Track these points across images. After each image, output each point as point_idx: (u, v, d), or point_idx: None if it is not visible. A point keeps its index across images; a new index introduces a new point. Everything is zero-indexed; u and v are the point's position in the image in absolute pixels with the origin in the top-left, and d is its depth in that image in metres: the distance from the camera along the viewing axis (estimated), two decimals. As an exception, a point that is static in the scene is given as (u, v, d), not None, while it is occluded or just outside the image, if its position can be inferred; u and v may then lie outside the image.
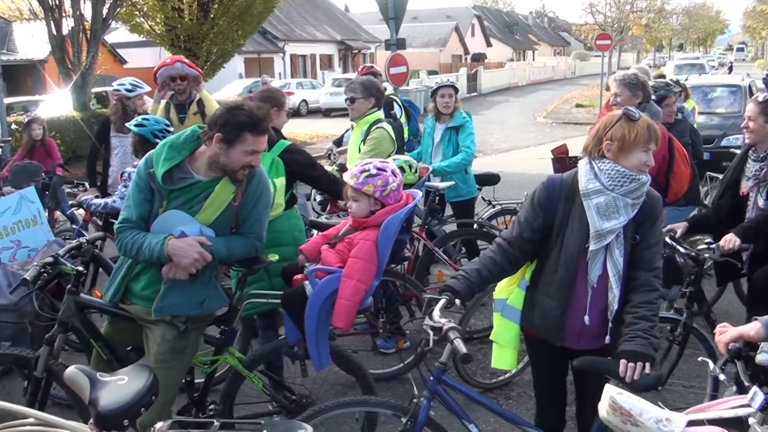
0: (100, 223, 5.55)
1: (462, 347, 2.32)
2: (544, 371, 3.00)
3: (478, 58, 52.18)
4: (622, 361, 2.45)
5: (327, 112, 27.39)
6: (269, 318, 3.97)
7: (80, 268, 3.23)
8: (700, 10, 60.77)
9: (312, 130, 21.33)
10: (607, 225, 2.61)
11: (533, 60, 60.78)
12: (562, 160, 6.00)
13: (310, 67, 38.27)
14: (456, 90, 5.98)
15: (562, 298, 2.72)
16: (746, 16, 59.85)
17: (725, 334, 2.50)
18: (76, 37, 13.71)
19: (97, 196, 5.13)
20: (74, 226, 5.79)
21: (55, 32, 13.79)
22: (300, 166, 3.94)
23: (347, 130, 7.34)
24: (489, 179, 6.43)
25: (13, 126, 13.18)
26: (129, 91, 5.87)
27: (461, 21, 52.96)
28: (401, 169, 4.32)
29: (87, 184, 6.04)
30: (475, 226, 5.95)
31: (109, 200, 4.73)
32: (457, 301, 2.67)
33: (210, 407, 3.36)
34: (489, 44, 57.23)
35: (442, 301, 2.61)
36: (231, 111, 2.94)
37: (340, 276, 3.10)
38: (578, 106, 28.83)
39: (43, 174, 6.26)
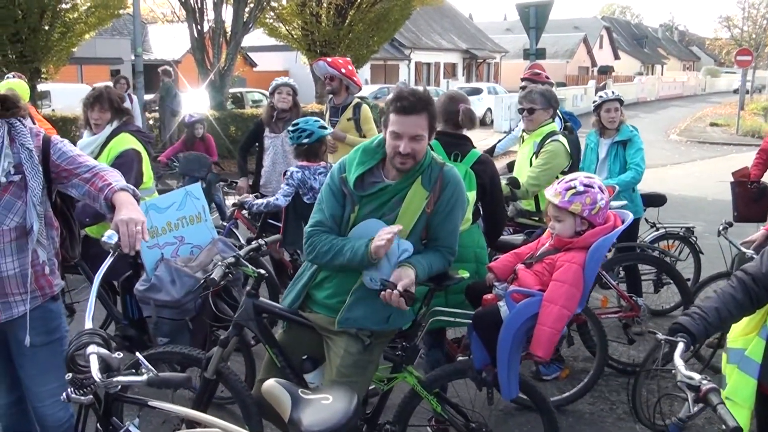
0: (249, 218, 5.53)
1: (730, 419, 1.95)
2: None
3: (606, 70, 50.44)
4: None
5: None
6: (437, 335, 3.72)
7: (262, 271, 3.10)
8: None
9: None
10: None
11: (662, 74, 58.12)
12: (743, 184, 5.42)
13: (434, 76, 38.17)
14: (621, 102, 5.56)
15: None
16: None
17: None
18: (216, 39, 14.13)
19: (256, 196, 5.09)
20: (225, 224, 5.80)
21: (196, 34, 14.28)
22: (492, 184, 3.65)
23: (499, 141, 7.03)
24: (656, 200, 5.92)
25: (151, 122, 13.78)
26: (271, 85, 5.87)
27: (590, 32, 51.40)
28: None
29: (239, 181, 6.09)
30: (637, 249, 5.49)
31: (271, 199, 4.66)
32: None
33: (385, 427, 3.14)
34: (617, 57, 55.25)
35: (681, 346, 2.25)
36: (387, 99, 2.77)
37: (541, 300, 2.80)
38: (713, 125, 27.15)
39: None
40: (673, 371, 2.21)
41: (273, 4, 14.85)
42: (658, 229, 5.98)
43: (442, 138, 3.61)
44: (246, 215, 5.71)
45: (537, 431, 3.81)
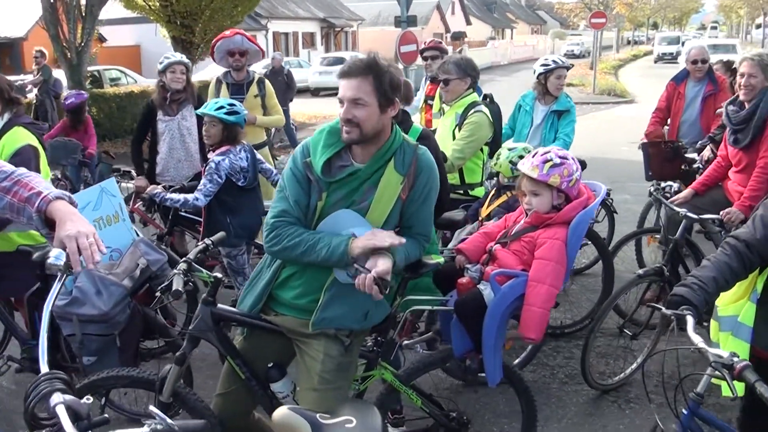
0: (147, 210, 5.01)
1: None
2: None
3: (459, 36, 51.45)
4: None
5: (316, 92, 26.74)
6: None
7: (219, 275, 2.76)
8: (678, -12, 61.07)
9: (307, 111, 20.68)
10: None
11: (512, 38, 60.40)
12: (657, 144, 5.60)
13: (293, 46, 37.39)
14: (567, 69, 5.53)
15: None
16: (723, -5, 60.36)
17: None
18: (72, 13, 12.87)
19: (165, 188, 4.60)
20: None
21: (48, 7, 12.95)
22: (436, 159, 3.48)
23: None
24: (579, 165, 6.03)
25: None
26: (160, 63, 5.31)
27: (442, 0, 52.28)
28: (522, 157, 3.88)
29: (134, 172, 5.51)
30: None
31: (189, 197, 4.19)
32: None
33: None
34: (469, 22, 56.59)
35: (690, 320, 2.20)
36: None
37: (526, 280, 2.68)
38: (569, 85, 28.49)
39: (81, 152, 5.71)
40: (693, 349, 2.16)
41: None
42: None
43: None
44: (141, 207, 5.18)
45: (511, 412, 3.78)
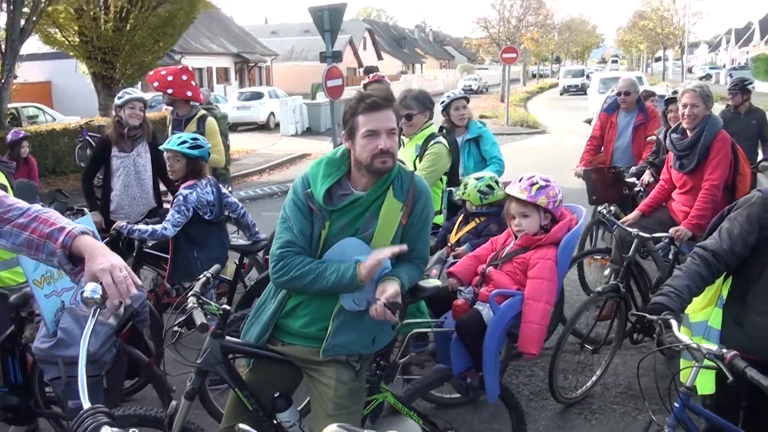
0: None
1: (763, 378, 2.12)
2: (735, 390, 2.86)
3: (372, 70, 51.93)
4: None
5: (234, 127, 26.50)
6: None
7: (227, 307, 2.77)
8: (579, 25, 64.45)
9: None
10: None
11: (422, 72, 61.99)
12: (601, 170, 5.96)
13: (207, 81, 37.04)
14: (467, 100, 5.82)
15: None
16: (622, 32, 64.20)
17: None
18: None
19: (134, 222, 4.54)
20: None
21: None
22: None
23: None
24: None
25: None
26: (119, 98, 5.28)
27: (354, 34, 53.10)
28: (490, 186, 4.10)
29: (87, 210, 5.38)
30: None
31: (158, 227, 4.17)
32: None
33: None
34: (380, 57, 57.75)
35: (674, 323, 2.44)
36: (348, 105, 2.64)
37: (522, 299, 2.85)
38: (482, 117, 29.48)
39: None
40: (680, 346, 2.39)
41: (49, 9, 13.30)
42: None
43: None
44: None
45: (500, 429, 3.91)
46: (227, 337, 2.76)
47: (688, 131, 4.50)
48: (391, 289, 2.53)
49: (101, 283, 1.98)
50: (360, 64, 53.60)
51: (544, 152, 17.16)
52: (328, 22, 14.40)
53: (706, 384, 2.82)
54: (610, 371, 4.71)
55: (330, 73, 14.48)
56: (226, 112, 6.99)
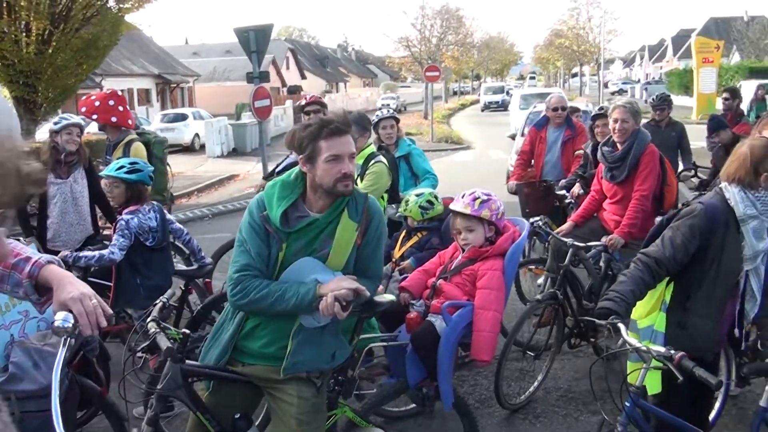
0: None
1: (710, 377, 2.31)
2: (684, 389, 3.05)
3: (295, 90, 52.52)
4: None
5: (158, 149, 25.99)
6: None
7: (187, 331, 2.79)
8: (498, 43, 66.32)
9: (155, 169, 20.06)
10: (761, 246, 2.77)
11: (346, 91, 62.36)
12: (533, 184, 6.21)
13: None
14: (397, 120, 5.98)
15: (717, 316, 2.83)
16: (540, 49, 66.49)
17: None
18: None
19: (73, 250, 4.46)
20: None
21: None
22: None
23: (279, 165, 7.03)
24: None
25: None
26: (56, 123, 5.19)
27: (277, 54, 52.89)
28: (430, 202, 4.25)
29: (22, 238, 5.23)
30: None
31: (105, 252, 4.10)
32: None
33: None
34: (303, 77, 57.78)
35: (622, 327, 2.61)
36: (303, 128, 2.71)
37: (473, 309, 2.98)
38: (408, 134, 29.90)
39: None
40: (630, 349, 2.56)
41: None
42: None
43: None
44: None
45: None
46: (188, 361, 2.78)
47: (618, 144, 4.77)
48: (347, 285, 2.59)
49: (72, 312, 1.99)
50: (284, 84, 53.57)
51: (470, 167, 17.58)
52: (255, 43, 14.40)
53: (653, 384, 3.02)
54: (550, 375, 4.90)
55: (257, 94, 14.44)
56: (165, 137, 6.84)
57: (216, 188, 15.94)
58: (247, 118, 26.45)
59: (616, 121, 4.68)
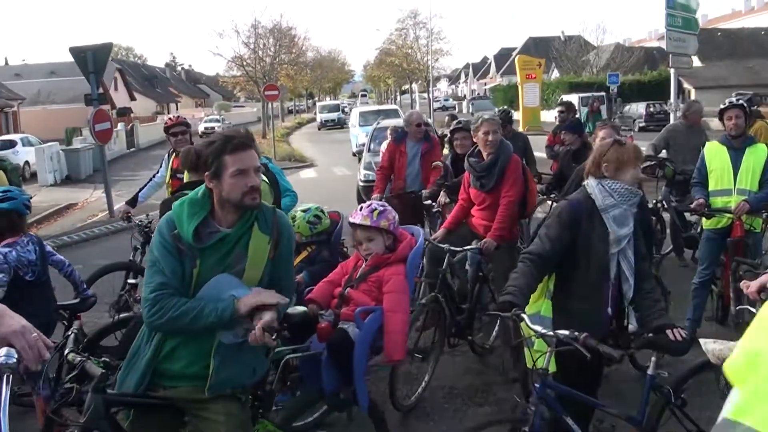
0: None
1: (614, 351, 2.65)
2: (575, 368, 3.38)
3: (125, 112, 50.22)
4: (668, 331, 3.04)
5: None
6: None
7: (108, 360, 2.74)
8: (330, 62, 67.32)
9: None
10: (622, 231, 3.20)
11: (178, 111, 60.56)
12: (401, 196, 6.51)
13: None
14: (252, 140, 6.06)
15: (595, 299, 3.22)
16: (371, 67, 68.44)
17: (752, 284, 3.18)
18: None
19: None
20: None
21: None
22: None
23: (141, 189, 6.85)
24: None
25: None
26: None
27: (104, 75, 50.39)
28: (317, 216, 4.41)
29: None
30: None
31: None
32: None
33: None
34: (133, 98, 55.36)
35: (526, 317, 2.91)
36: (207, 145, 2.77)
37: (382, 313, 3.18)
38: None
39: None
40: (538, 335, 2.87)
41: None
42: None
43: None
44: None
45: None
46: (109, 391, 2.72)
47: (485, 155, 5.19)
48: (268, 315, 2.65)
49: (13, 347, 1.94)
50: (113, 106, 50.95)
51: (318, 184, 17.86)
52: (92, 63, 13.85)
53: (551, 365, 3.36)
54: (433, 375, 5.19)
55: (98, 117, 13.86)
56: (18, 163, 6.45)
57: (55, 219, 14.90)
58: (79, 142, 25.02)
59: (486, 133, 5.09)
